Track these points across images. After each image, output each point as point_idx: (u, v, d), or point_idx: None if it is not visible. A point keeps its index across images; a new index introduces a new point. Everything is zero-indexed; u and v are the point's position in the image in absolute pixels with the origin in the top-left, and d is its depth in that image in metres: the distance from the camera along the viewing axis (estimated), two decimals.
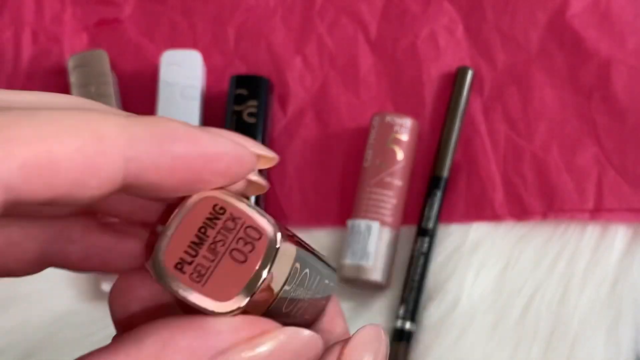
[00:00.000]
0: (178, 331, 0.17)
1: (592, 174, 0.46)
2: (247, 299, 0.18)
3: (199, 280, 0.18)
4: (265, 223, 0.18)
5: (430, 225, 0.46)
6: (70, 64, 0.47)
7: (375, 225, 0.45)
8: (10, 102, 0.17)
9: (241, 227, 0.18)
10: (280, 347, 0.18)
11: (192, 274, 0.18)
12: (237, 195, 0.19)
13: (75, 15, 0.51)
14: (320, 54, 0.50)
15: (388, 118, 0.46)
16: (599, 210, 0.46)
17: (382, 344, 0.20)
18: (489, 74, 0.48)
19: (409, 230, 0.47)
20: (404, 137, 0.46)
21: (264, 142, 0.47)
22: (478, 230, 0.47)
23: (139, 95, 0.50)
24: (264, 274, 0.18)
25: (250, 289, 0.18)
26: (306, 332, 0.18)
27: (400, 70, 0.49)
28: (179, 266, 0.18)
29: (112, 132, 0.16)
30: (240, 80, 0.48)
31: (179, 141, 0.17)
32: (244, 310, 0.18)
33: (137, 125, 0.17)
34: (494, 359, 0.45)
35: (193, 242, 0.18)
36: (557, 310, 0.45)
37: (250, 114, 0.47)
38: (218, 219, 0.18)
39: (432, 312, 0.46)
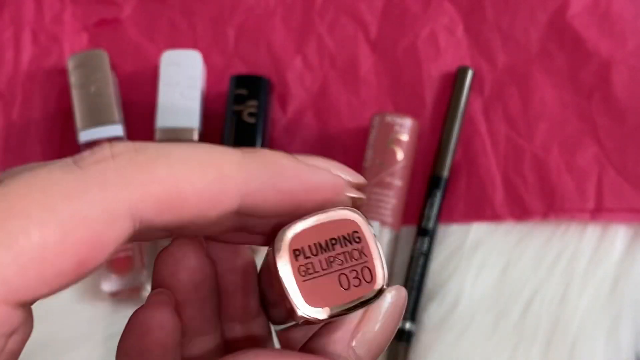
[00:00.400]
0: None
1: (593, 174, 0.46)
2: (327, 318, 0.20)
3: (303, 275, 0.19)
4: (381, 276, 0.20)
5: (430, 225, 0.46)
6: (70, 64, 0.47)
7: (375, 225, 0.45)
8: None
9: (363, 263, 0.20)
10: None
11: (301, 266, 0.20)
12: (375, 236, 0.21)
13: (75, 15, 0.51)
14: (320, 54, 0.50)
15: (388, 118, 0.46)
16: (599, 210, 0.46)
17: (402, 292, 0.22)
18: (489, 74, 0.48)
19: (409, 230, 0.47)
20: (404, 137, 0.46)
21: (263, 143, 0.47)
22: (478, 231, 0.47)
23: (139, 96, 0.50)
24: (354, 309, 0.20)
25: (335, 311, 0.20)
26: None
27: (400, 70, 0.49)
28: (297, 252, 0.20)
29: (232, 171, 0.19)
30: (240, 80, 0.48)
31: (287, 178, 0.20)
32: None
33: (252, 163, 0.19)
34: (494, 359, 0.45)
35: (320, 245, 0.20)
36: (558, 310, 0.45)
37: (250, 114, 0.47)
38: (351, 243, 0.20)
39: (432, 312, 0.46)
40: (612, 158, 0.46)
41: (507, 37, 0.49)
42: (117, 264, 0.46)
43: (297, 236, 0.20)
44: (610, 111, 0.47)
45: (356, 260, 0.20)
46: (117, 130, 0.46)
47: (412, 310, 0.45)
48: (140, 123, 0.49)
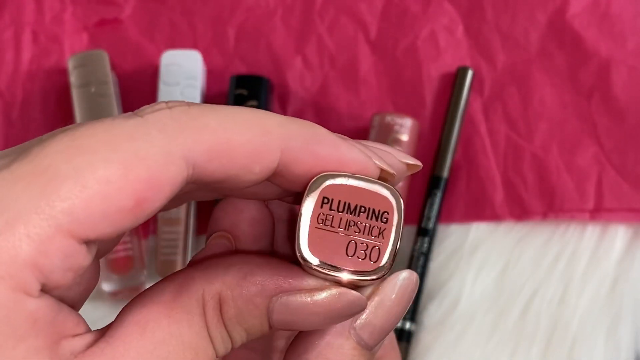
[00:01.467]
0: (257, 268, 0.21)
1: (592, 174, 0.46)
2: (315, 268, 0.20)
3: (319, 223, 0.20)
4: (385, 265, 0.20)
5: (430, 225, 0.46)
6: (71, 64, 0.47)
7: None
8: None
9: (377, 243, 0.20)
10: (331, 299, 0.21)
11: (322, 214, 0.20)
12: (401, 229, 0.21)
13: (75, 15, 0.51)
14: (320, 54, 0.50)
15: (388, 118, 0.47)
16: (599, 210, 0.46)
17: (414, 277, 0.23)
18: (489, 74, 0.48)
19: (409, 230, 0.47)
20: (404, 137, 0.46)
21: None
22: (478, 231, 0.47)
23: (139, 96, 0.50)
24: (348, 277, 0.20)
25: (325, 269, 0.20)
26: (354, 293, 0.21)
27: (400, 70, 0.49)
28: (325, 200, 0.20)
29: (274, 128, 0.20)
30: (240, 80, 0.48)
31: (323, 144, 0.20)
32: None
33: (293, 125, 0.20)
34: (493, 359, 0.45)
35: (349, 205, 0.20)
36: (557, 310, 0.45)
37: None
38: (377, 220, 0.20)
39: (432, 312, 0.46)
40: (611, 158, 0.46)
41: (506, 37, 0.49)
42: (117, 264, 0.46)
43: (333, 186, 0.20)
44: (609, 111, 0.47)
45: (373, 237, 0.20)
46: None
47: (412, 310, 0.45)
48: None
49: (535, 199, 0.46)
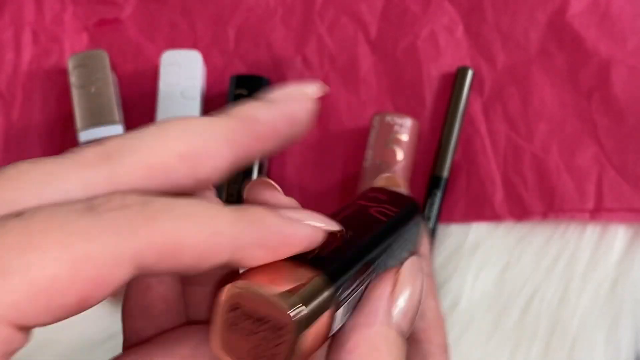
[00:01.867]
0: (205, 339, 0.22)
1: (592, 174, 0.46)
2: None
3: (228, 328, 0.21)
4: None
5: (430, 225, 0.46)
6: (71, 64, 0.47)
7: None
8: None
9: (275, 353, 0.20)
10: None
11: (229, 319, 0.21)
12: (299, 344, 0.20)
13: (75, 15, 0.51)
14: (320, 54, 0.50)
15: (388, 118, 0.47)
16: (599, 211, 0.46)
17: (415, 260, 0.24)
18: (489, 74, 0.48)
19: None
20: (404, 137, 0.46)
21: None
22: (478, 231, 0.47)
23: (139, 95, 0.50)
24: None
25: None
26: None
27: (400, 70, 0.49)
28: (233, 308, 0.21)
29: (225, 229, 0.20)
30: (240, 80, 0.48)
31: (271, 235, 0.21)
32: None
33: (242, 222, 0.21)
34: (494, 358, 0.45)
35: (251, 314, 0.21)
36: (557, 310, 0.45)
37: None
38: (274, 331, 0.20)
39: None
40: (611, 158, 0.46)
41: (506, 38, 0.49)
42: None
43: (240, 295, 0.21)
44: (609, 111, 0.47)
45: (273, 347, 0.20)
46: (117, 130, 0.46)
47: None
48: (140, 123, 0.49)
49: (535, 199, 0.46)
